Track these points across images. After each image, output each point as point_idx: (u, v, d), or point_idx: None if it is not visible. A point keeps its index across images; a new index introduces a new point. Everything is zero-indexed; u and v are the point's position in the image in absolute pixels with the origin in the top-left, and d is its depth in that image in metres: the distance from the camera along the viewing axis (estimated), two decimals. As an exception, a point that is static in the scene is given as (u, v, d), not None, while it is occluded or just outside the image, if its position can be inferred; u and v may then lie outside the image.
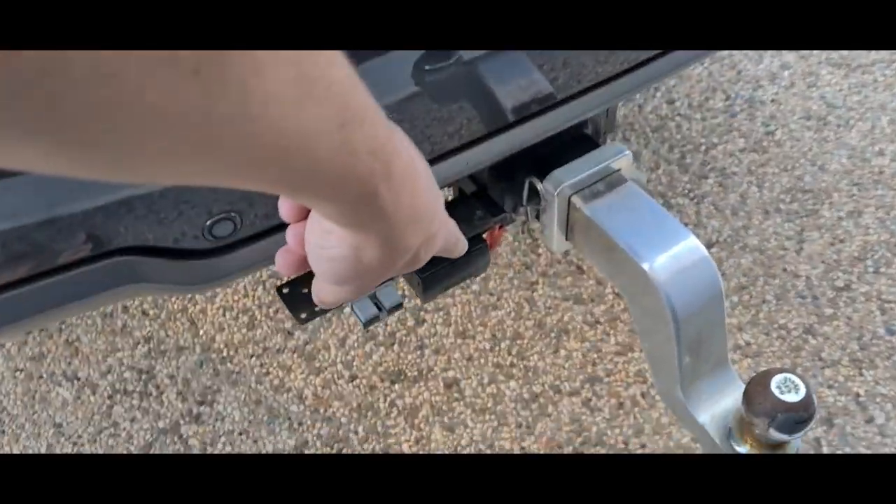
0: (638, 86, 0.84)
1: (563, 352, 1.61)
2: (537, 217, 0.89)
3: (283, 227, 0.52)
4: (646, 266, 0.79)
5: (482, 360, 1.61)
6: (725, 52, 2.16)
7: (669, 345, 0.82)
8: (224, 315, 1.70)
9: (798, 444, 0.79)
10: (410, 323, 1.67)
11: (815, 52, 2.13)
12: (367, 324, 0.79)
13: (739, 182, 1.89)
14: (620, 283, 0.83)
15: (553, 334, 1.64)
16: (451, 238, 0.59)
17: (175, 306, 1.73)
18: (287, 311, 0.81)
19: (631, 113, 2.04)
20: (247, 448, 1.50)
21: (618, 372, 1.57)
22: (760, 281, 1.70)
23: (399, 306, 0.81)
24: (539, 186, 0.83)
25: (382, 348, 1.63)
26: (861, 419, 1.50)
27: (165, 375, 1.62)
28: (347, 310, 1.69)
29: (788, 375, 0.73)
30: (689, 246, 0.81)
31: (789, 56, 2.14)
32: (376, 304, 0.80)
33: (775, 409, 0.72)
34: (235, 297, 1.73)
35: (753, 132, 1.99)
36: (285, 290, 0.78)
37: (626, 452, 1.46)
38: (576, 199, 0.84)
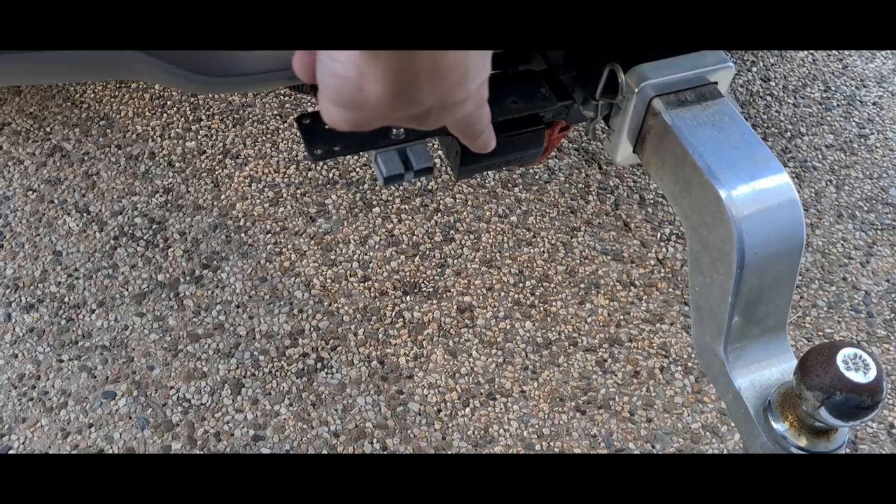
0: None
1: (588, 305, 1.50)
2: (606, 120, 0.77)
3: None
4: (723, 193, 0.68)
5: (503, 293, 1.51)
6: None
7: (724, 290, 0.71)
8: (250, 185, 1.62)
9: (845, 435, 0.68)
10: (438, 238, 1.57)
11: (934, 62, 1.96)
12: (387, 181, 0.69)
13: (818, 178, 1.75)
14: (684, 208, 0.72)
15: (583, 285, 1.53)
16: (477, 122, 0.54)
17: (203, 165, 1.65)
18: (303, 147, 0.72)
19: (720, 81, 1.90)
20: (240, 321, 1.43)
21: (641, 339, 1.47)
22: (816, 284, 1.57)
23: (429, 170, 0.70)
24: (620, 77, 0.72)
25: (403, 256, 1.54)
26: (889, 449, 1.38)
27: (177, 230, 1.55)
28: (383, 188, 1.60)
29: (860, 352, 0.62)
30: (779, 183, 0.69)
31: (904, 62, 1.97)
32: (404, 161, 0.70)
33: (835, 386, 0.62)
34: (266, 170, 1.64)
35: (845, 131, 1.84)
36: (306, 122, 0.68)
37: (628, 419, 1.36)
38: (657, 103, 0.72)
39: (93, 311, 1.43)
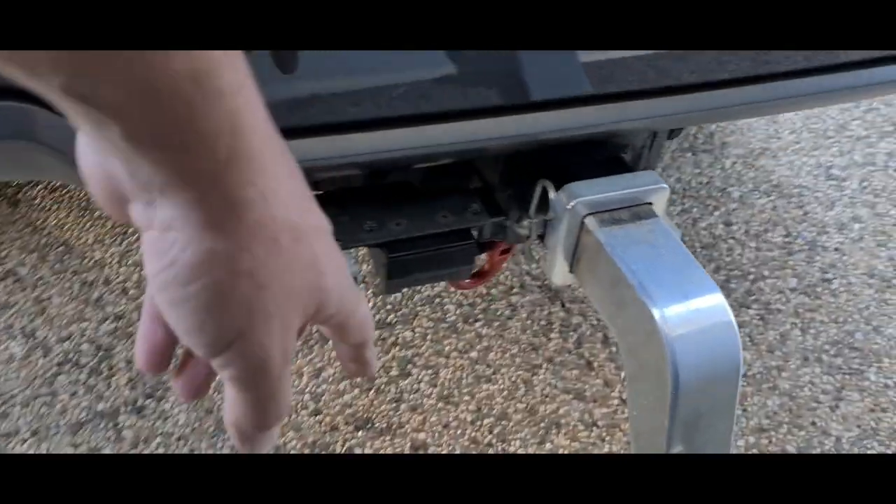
0: (685, 115, 0.72)
1: (548, 445, 1.44)
2: (542, 239, 0.76)
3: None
4: (656, 312, 0.65)
5: (459, 431, 1.44)
6: (795, 191, 2.04)
7: (660, 416, 0.67)
8: (204, 314, 1.58)
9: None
10: (395, 372, 1.52)
11: (893, 211, 2.00)
12: None
13: (783, 321, 1.73)
14: (619, 327, 0.70)
15: (543, 424, 1.47)
16: (341, 297, 0.41)
17: (158, 292, 1.61)
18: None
19: (683, 224, 1.92)
20: (180, 455, 1.35)
21: (604, 483, 1.39)
22: (784, 428, 1.52)
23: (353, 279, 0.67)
24: (551, 195, 0.71)
25: (357, 390, 1.49)
26: None
27: (123, 358, 1.49)
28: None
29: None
30: (713, 303, 0.67)
31: (862, 210, 2.01)
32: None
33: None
34: (222, 300, 1.61)
35: (808, 275, 1.84)
36: None
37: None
38: (590, 221, 0.71)
39: (24, 441, 1.35)
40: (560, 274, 0.76)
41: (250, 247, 0.34)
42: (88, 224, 1.74)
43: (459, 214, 0.72)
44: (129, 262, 1.67)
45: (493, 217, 0.74)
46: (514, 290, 1.72)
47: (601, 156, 0.75)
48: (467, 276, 0.74)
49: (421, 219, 0.66)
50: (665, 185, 0.74)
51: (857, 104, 2.37)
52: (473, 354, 1.58)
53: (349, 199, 0.69)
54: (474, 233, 0.73)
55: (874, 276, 1.85)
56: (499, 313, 1.67)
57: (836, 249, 1.91)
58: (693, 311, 0.66)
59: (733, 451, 0.72)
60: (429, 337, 1.60)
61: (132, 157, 0.32)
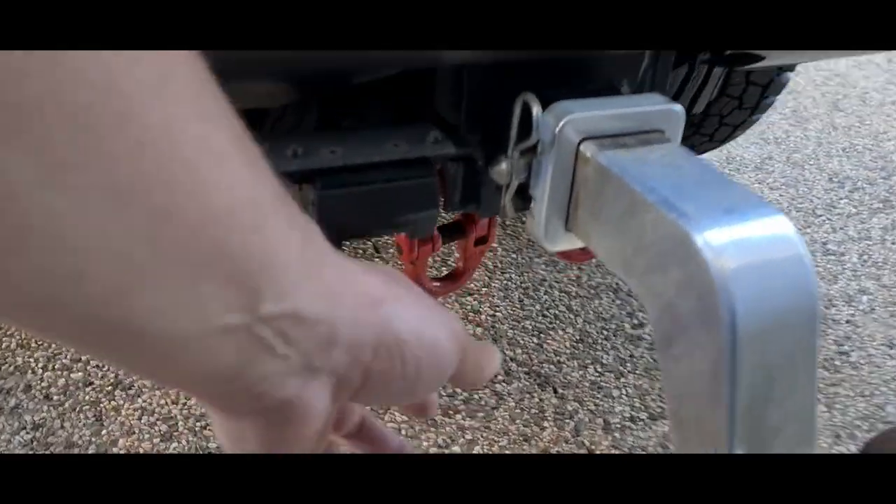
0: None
1: (552, 547, 1.19)
2: (524, 192, 0.59)
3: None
4: (697, 238, 0.47)
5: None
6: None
7: (715, 389, 0.48)
8: (140, 418, 1.36)
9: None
10: (363, 472, 1.29)
11: (899, 280, 1.85)
12: None
13: (804, 397, 1.53)
14: (642, 274, 0.51)
15: (544, 523, 1.23)
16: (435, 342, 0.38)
17: (87, 397, 1.39)
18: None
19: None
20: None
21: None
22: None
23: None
24: (535, 111, 0.54)
25: None
26: None
27: (38, 472, 1.25)
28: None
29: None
30: (775, 229, 0.49)
31: (868, 282, 1.86)
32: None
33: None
34: (163, 401, 1.39)
35: (824, 349, 1.66)
36: None
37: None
38: (587, 147, 0.54)
39: None
40: (553, 233, 0.59)
41: None
42: (12, 328, 1.54)
43: (416, 143, 0.55)
44: (56, 365, 1.46)
45: (458, 147, 0.57)
46: (499, 379, 1.51)
47: (592, 86, 0.59)
48: (429, 229, 0.56)
49: (365, 146, 0.50)
50: (679, 107, 0.58)
51: (841, 184, 2.29)
52: (456, 448, 1.35)
53: (276, 123, 0.53)
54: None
55: (893, 346, 1.67)
56: (483, 403, 1.45)
57: (847, 322, 1.74)
58: (747, 239, 0.48)
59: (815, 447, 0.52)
60: (403, 431, 1.37)
61: None
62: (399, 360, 0.35)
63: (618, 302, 1.73)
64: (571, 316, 1.68)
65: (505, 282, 1.76)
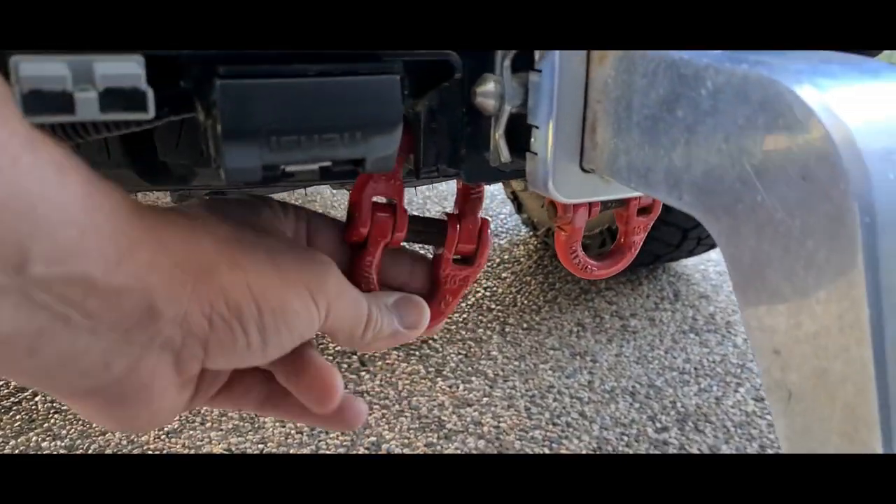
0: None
1: None
2: (518, 126, 0.44)
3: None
4: (804, 93, 0.31)
5: None
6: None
7: (857, 329, 0.31)
8: None
9: None
10: None
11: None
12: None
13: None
14: (703, 195, 0.35)
15: None
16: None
17: None
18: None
19: (706, 404, 1.55)
20: None
21: None
22: None
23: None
24: None
25: None
26: None
27: None
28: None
29: None
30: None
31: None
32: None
33: None
34: None
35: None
36: None
37: None
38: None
39: None
40: (563, 175, 0.43)
41: None
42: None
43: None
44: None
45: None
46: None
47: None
48: (390, 161, 0.39)
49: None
50: None
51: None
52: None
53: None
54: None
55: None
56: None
57: None
58: (874, 101, 0.33)
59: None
60: None
61: None
62: (240, 331, 0.34)
63: (636, 405, 1.53)
64: (586, 423, 1.48)
65: (508, 390, 1.57)
